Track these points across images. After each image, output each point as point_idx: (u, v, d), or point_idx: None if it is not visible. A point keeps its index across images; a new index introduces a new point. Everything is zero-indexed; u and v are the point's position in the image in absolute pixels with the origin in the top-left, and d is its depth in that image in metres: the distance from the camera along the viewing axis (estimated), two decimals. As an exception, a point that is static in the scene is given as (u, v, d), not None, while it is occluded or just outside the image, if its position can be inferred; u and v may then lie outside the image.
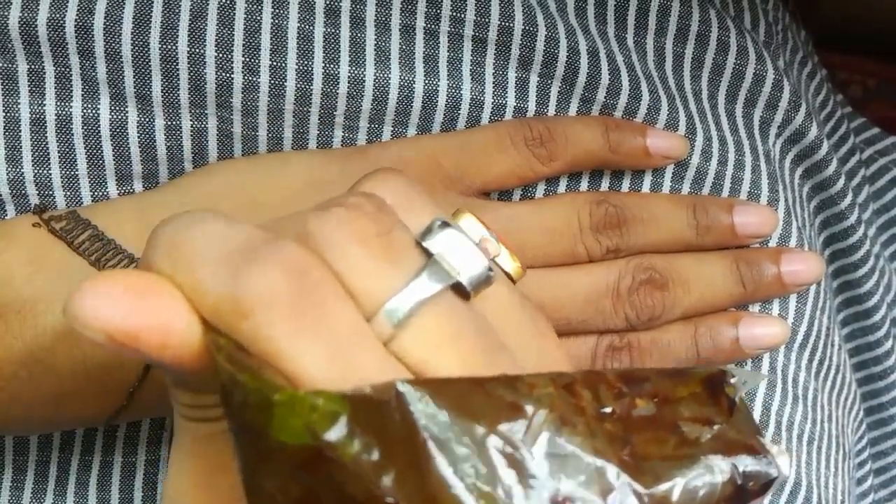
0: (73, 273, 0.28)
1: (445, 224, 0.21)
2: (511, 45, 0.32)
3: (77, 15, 0.29)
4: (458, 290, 0.20)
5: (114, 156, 0.30)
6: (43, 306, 0.27)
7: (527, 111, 0.33)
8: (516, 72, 0.32)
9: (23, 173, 0.30)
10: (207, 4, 0.29)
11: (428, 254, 0.20)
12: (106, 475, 0.33)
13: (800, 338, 0.35)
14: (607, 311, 0.31)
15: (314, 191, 0.30)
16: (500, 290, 0.22)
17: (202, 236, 0.20)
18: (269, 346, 0.18)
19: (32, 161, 0.30)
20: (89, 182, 0.31)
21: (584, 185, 0.34)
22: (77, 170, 0.30)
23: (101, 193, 0.31)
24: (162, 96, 0.30)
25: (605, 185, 0.34)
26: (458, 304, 0.20)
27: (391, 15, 0.31)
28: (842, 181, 0.38)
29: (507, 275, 0.24)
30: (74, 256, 0.28)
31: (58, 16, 0.29)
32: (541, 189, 0.33)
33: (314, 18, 0.30)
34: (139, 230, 0.29)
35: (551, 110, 0.33)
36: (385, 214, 0.20)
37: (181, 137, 0.31)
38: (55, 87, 0.30)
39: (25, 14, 0.29)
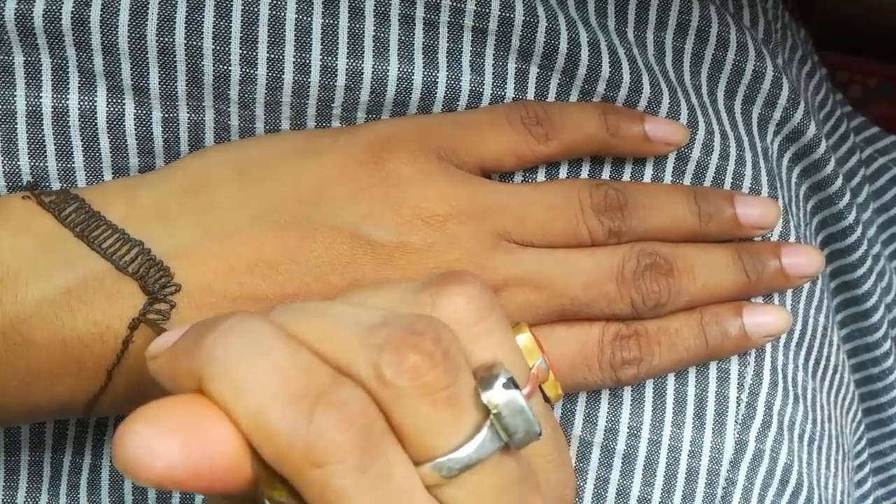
0: (58, 245, 0.28)
1: (509, 381, 0.22)
2: (511, 36, 0.32)
3: (74, 7, 0.29)
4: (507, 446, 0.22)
5: (110, 148, 0.30)
6: (25, 275, 0.27)
7: None
8: (516, 63, 0.32)
9: (19, 166, 0.30)
10: None
11: (486, 409, 0.22)
12: (95, 478, 0.32)
13: (796, 336, 0.35)
14: (612, 295, 0.31)
15: (302, 157, 0.30)
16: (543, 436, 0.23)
17: (267, 366, 0.20)
18: (335, 498, 0.20)
19: (29, 153, 0.30)
20: (86, 175, 0.30)
21: (584, 174, 0.33)
22: (73, 162, 0.30)
23: None
24: (159, 88, 0.30)
25: (605, 175, 0.34)
26: (506, 461, 0.22)
27: (390, 5, 0.31)
28: (840, 180, 0.37)
29: (546, 398, 0.27)
30: (61, 228, 0.28)
31: (54, 7, 0.29)
32: (541, 177, 0.33)
33: (312, 9, 0.30)
34: (126, 207, 0.29)
35: None
36: (451, 360, 0.21)
37: (178, 130, 0.31)
38: (52, 80, 0.30)
39: (22, 6, 0.29)
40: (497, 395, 0.22)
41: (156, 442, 0.19)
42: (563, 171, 0.33)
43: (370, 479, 0.20)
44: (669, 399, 0.33)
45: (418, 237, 0.29)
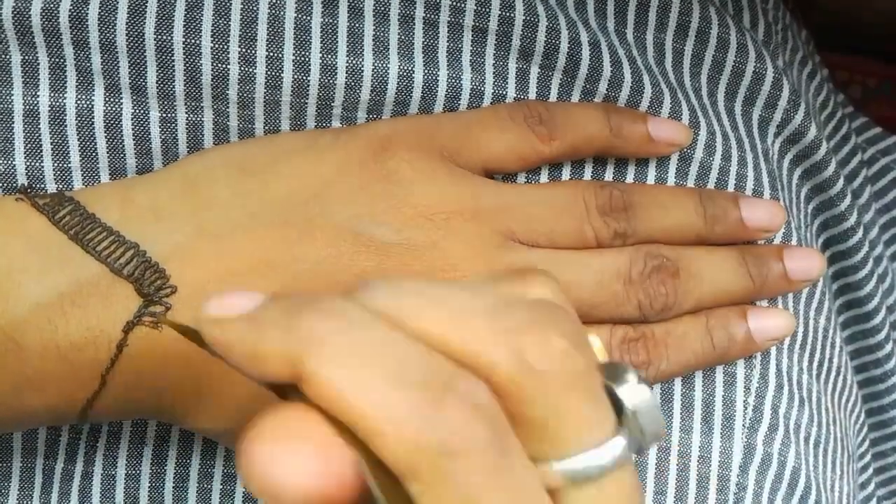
0: (51, 247, 0.27)
1: (642, 378, 0.20)
2: (512, 35, 0.32)
3: (72, 5, 0.29)
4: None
5: (107, 148, 0.30)
6: (18, 279, 0.27)
7: None
8: (517, 62, 0.32)
9: (14, 165, 0.30)
10: None
11: (619, 406, 0.20)
12: (87, 486, 0.32)
13: (798, 339, 0.35)
14: (619, 296, 0.31)
15: (302, 156, 0.30)
16: None
17: (385, 353, 0.18)
18: (466, 495, 0.17)
19: (25, 153, 0.30)
20: (82, 175, 0.30)
21: (587, 175, 0.33)
22: (70, 162, 0.30)
23: None
24: (157, 87, 0.30)
25: (609, 175, 0.33)
26: (630, 466, 0.20)
27: (390, 4, 0.31)
28: (841, 182, 0.37)
29: None
30: (55, 231, 0.28)
31: (52, 6, 0.28)
32: (544, 178, 0.33)
33: (311, 8, 0.30)
34: (121, 208, 0.28)
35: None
36: (587, 349, 0.19)
37: (176, 130, 0.30)
38: (49, 78, 0.29)
39: (19, 4, 0.28)
40: (634, 392, 0.20)
41: (291, 464, 0.17)
42: (566, 173, 0.33)
43: (500, 476, 0.18)
44: (676, 404, 0.33)
45: (421, 234, 0.29)
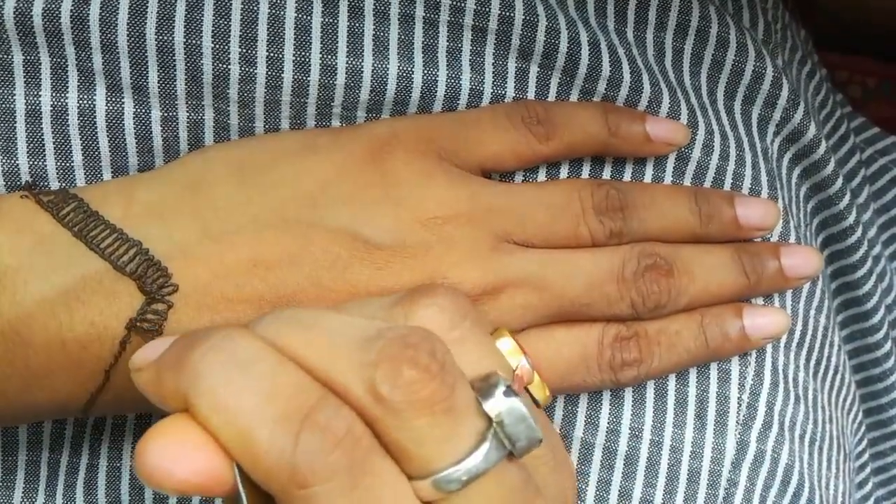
0: (56, 244, 0.28)
1: (509, 390, 0.22)
2: (511, 35, 0.32)
3: (73, 5, 0.29)
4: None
5: (110, 147, 0.30)
6: (23, 275, 0.27)
7: None
8: (516, 62, 0.32)
9: (17, 165, 0.30)
10: None
11: (488, 418, 0.22)
12: (92, 478, 0.32)
13: (796, 336, 0.35)
14: (612, 296, 0.31)
15: (302, 156, 0.30)
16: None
17: (252, 387, 0.21)
18: None
19: (28, 152, 0.30)
20: (85, 173, 0.30)
21: (584, 174, 0.33)
22: (72, 161, 0.30)
23: None
24: (158, 87, 0.30)
25: (606, 175, 0.34)
26: (509, 469, 0.22)
27: (390, 4, 0.31)
28: (840, 181, 0.37)
29: (535, 401, 0.27)
30: (59, 228, 0.28)
31: (53, 6, 0.29)
32: (542, 177, 0.33)
33: (312, 8, 0.30)
34: (125, 206, 0.29)
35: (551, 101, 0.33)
36: (447, 372, 0.21)
37: (177, 129, 0.30)
38: (51, 78, 0.29)
39: (21, 4, 0.28)
40: (498, 404, 0.22)
41: (169, 458, 0.20)
42: (563, 172, 0.33)
43: (361, 497, 0.20)
44: (671, 400, 0.33)
45: (416, 240, 0.29)
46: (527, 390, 0.26)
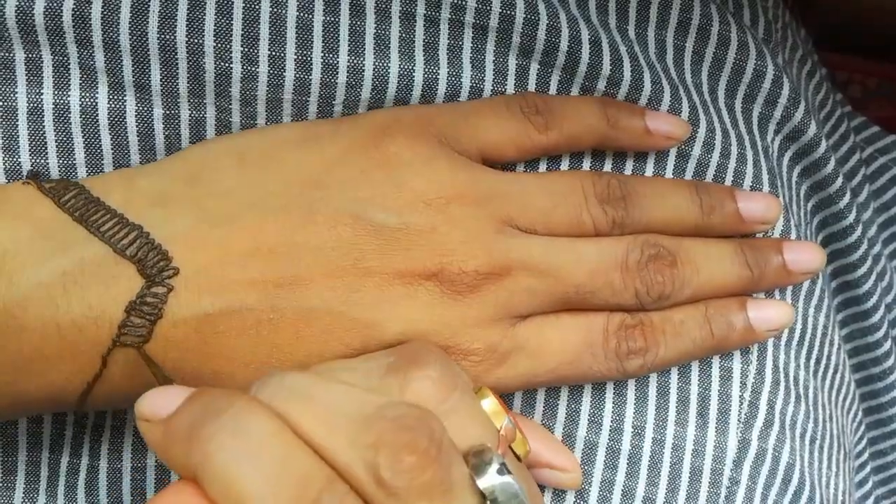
0: (56, 229, 0.27)
1: (503, 467, 0.23)
2: (512, 32, 0.32)
3: (75, 4, 0.29)
4: None
5: (112, 145, 0.30)
6: (22, 259, 0.27)
7: None
8: (517, 60, 0.32)
9: (20, 163, 0.30)
10: None
11: (481, 493, 0.23)
12: (93, 479, 0.32)
13: (797, 335, 0.35)
14: (616, 285, 0.31)
15: (304, 144, 0.30)
16: None
17: (263, 475, 0.22)
18: None
19: (30, 150, 0.30)
20: (87, 172, 0.30)
21: (585, 168, 0.33)
22: (74, 159, 0.30)
23: None
24: (161, 86, 0.30)
25: (607, 170, 0.34)
26: None
27: (391, 2, 0.31)
28: (840, 180, 0.37)
29: (516, 455, 0.28)
30: (60, 213, 0.28)
31: (55, 5, 0.29)
32: (543, 170, 0.33)
33: (313, 7, 0.30)
34: (125, 193, 0.29)
35: None
36: (445, 454, 0.23)
37: (179, 127, 0.31)
38: (53, 76, 0.30)
39: (23, 3, 0.28)
40: (492, 482, 0.23)
41: None
42: (564, 167, 0.33)
43: None
44: (672, 398, 0.33)
45: (421, 219, 0.29)
46: (510, 448, 0.27)
